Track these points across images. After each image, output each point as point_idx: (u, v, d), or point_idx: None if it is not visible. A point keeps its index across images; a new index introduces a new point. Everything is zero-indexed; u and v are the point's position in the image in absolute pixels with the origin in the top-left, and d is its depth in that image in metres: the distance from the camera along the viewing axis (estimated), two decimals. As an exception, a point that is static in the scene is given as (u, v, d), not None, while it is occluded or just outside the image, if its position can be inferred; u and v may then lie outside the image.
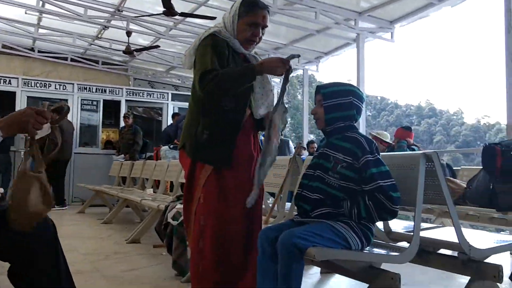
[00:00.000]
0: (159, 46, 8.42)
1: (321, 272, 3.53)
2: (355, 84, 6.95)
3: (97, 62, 10.54)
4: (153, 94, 10.83)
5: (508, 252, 4.54)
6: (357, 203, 1.96)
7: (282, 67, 2.18)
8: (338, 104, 2.11)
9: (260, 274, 1.96)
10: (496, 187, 3.80)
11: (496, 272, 2.07)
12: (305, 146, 9.22)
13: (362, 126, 6.99)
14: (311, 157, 2.36)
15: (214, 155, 2.24)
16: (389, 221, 2.63)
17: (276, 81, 10.35)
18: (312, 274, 3.56)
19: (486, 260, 2.19)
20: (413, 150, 5.48)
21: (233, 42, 2.28)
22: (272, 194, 3.91)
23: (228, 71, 2.16)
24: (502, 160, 3.91)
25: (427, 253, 2.40)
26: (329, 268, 2.58)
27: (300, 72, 10.10)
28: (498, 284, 2.13)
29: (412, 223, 2.97)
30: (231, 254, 2.24)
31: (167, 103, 10.80)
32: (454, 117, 65.54)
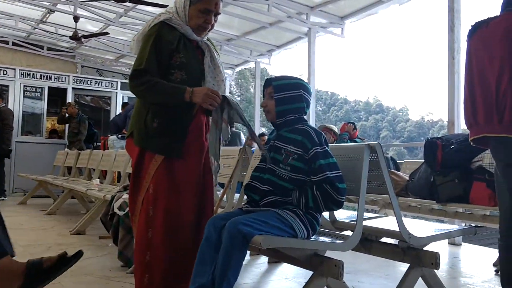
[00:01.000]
0: (108, 33, 8.17)
1: (268, 262, 3.58)
2: (306, 78, 7.07)
3: (42, 47, 10.11)
4: (101, 82, 10.52)
5: (447, 240, 4.79)
6: (305, 193, 2.00)
7: (210, 102, 2.12)
8: (289, 97, 2.14)
9: (198, 260, 1.92)
10: (436, 179, 4.00)
11: (434, 259, 2.18)
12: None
13: (311, 121, 7.11)
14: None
15: (165, 145, 2.21)
16: (336, 210, 2.71)
17: (228, 73, 10.33)
18: (260, 263, 3.60)
19: (425, 248, 2.29)
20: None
21: (185, 29, 2.25)
22: (222, 185, 3.91)
23: (160, 84, 2.13)
24: (443, 154, 4.12)
25: (369, 242, 2.49)
26: (275, 256, 2.62)
27: (252, 65, 10.11)
28: (435, 270, 2.24)
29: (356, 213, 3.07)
30: (181, 244, 2.23)
31: (116, 92, 10.52)
32: (400, 113, 67.92)
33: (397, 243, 2.37)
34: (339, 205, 2.02)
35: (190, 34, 2.27)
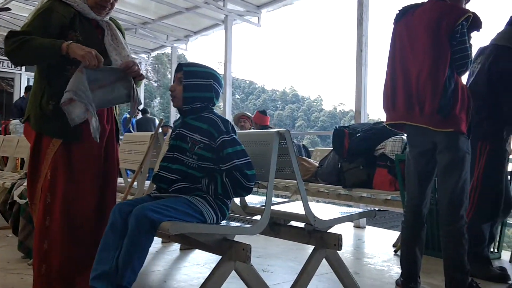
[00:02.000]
0: (10, 9, 7.56)
1: (180, 249, 3.56)
2: (223, 65, 7.06)
3: None
4: (3, 62, 9.74)
5: (352, 224, 5.07)
6: (215, 179, 2.01)
7: (90, 59, 2.01)
8: (199, 84, 2.11)
9: (102, 247, 1.86)
10: (343, 166, 4.21)
11: (337, 240, 2.28)
12: (172, 125, 9.14)
13: (228, 109, 7.13)
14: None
15: (62, 128, 2.11)
16: (245, 196, 2.75)
17: (143, 57, 10.03)
18: (172, 251, 3.58)
19: (330, 231, 2.40)
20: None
21: (82, 6, 2.17)
22: (133, 171, 3.81)
23: (34, 39, 2.01)
24: (349, 142, 4.33)
25: (278, 226, 2.57)
26: (186, 243, 2.61)
27: (169, 50, 9.90)
28: (338, 251, 2.36)
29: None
30: (81, 232, 2.15)
31: (20, 74, 9.84)
32: (314, 103, 70.31)
33: (303, 226, 2.46)
34: (248, 191, 2.06)
35: (88, 12, 2.18)
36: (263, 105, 60.80)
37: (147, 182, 3.36)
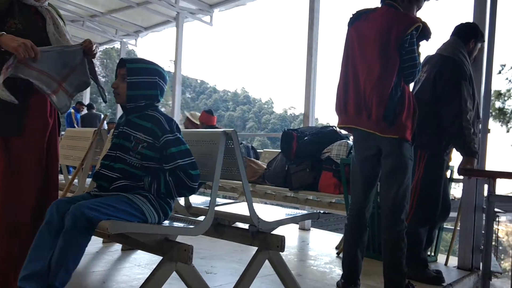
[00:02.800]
0: None
1: (122, 249, 3.46)
2: (173, 64, 6.95)
3: None
4: None
5: (297, 226, 5.12)
6: (158, 178, 1.96)
7: (24, 51, 1.93)
8: (143, 82, 2.04)
9: (35, 245, 1.77)
10: (290, 168, 4.24)
11: (280, 242, 2.29)
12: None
13: (177, 107, 7.02)
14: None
15: (1, 122, 1.99)
16: (190, 196, 2.71)
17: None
18: (113, 251, 3.46)
19: (274, 232, 2.40)
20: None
21: None
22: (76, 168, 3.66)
23: None
24: (297, 144, 4.37)
25: (222, 227, 2.54)
26: (127, 243, 2.53)
27: (118, 45, 9.63)
28: (281, 253, 2.36)
29: (218, 199, 3.11)
30: (21, 229, 2.06)
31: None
32: (266, 106, 70.90)
33: (248, 228, 2.45)
34: (192, 191, 2.02)
35: None
36: (214, 105, 60.63)
37: (89, 180, 3.24)
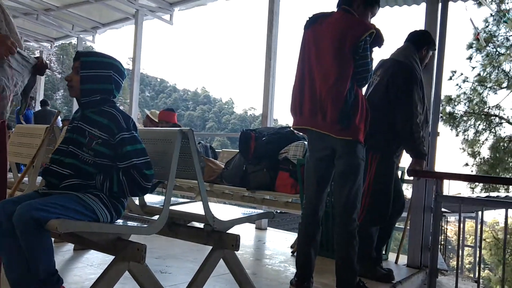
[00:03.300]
0: None
1: (74, 249, 3.38)
2: (131, 62, 6.83)
3: None
4: None
5: (254, 226, 5.16)
6: (110, 177, 1.93)
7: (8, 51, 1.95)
8: (97, 75, 2.01)
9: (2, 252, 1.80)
10: (248, 168, 4.27)
11: (234, 241, 2.30)
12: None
13: (135, 106, 6.92)
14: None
15: None
16: (146, 195, 2.69)
17: (46, 46, 9.42)
18: (65, 251, 3.38)
19: (231, 232, 2.42)
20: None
21: None
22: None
23: None
24: (255, 145, 4.41)
25: (177, 226, 2.53)
26: (78, 242, 2.49)
27: (74, 40, 9.37)
28: (236, 252, 2.38)
29: (174, 198, 3.09)
30: None
31: None
32: (226, 106, 70.85)
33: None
34: (145, 191, 2.00)
35: None
36: (173, 104, 60.00)
37: (40, 178, 3.14)
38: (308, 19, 2.73)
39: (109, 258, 2.77)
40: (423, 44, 3.34)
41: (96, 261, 3.15)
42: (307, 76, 2.66)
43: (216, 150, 5.56)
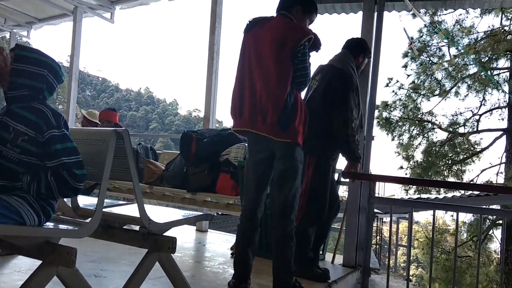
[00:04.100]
0: None
1: (0, 254, 3.21)
2: (69, 59, 6.58)
3: None
4: None
5: (195, 228, 5.13)
6: (38, 178, 1.84)
7: None
8: (29, 71, 1.93)
9: None
10: (189, 170, 4.24)
11: (170, 243, 2.28)
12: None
13: (72, 105, 6.68)
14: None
15: None
16: (81, 197, 2.60)
17: None
18: (-10, 257, 3.20)
19: (166, 234, 2.38)
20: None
21: None
22: None
23: None
24: (196, 146, 4.39)
25: (112, 229, 2.47)
26: (3, 247, 2.36)
27: (8, 35, 8.90)
28: (172, 254, 2.35)
29: (112, 200, 3.00)
30: None
31: None
32: (170, 107, 69.89)
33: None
34: (76, 192, 1.93)
35: None
36: (116, 104, 58.38)
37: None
38: (248, 22, 2.76)
39: (39, 263, 2.67)
40: (360, 52, 3.47)
41: (24, 267, 3.00)
42: (247, 79, 2.68)
43: (157, 152, 5.47)
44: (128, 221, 2.40)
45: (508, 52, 10.81)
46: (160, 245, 2.29)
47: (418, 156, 11.71)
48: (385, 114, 11.81)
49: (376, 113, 11.77)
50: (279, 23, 2.67)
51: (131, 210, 2.59)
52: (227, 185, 4.01)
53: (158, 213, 2.42)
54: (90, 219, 2.06)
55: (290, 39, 2.58)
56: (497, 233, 10.71)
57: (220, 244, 4.56)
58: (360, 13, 4.13)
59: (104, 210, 2.10)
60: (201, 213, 2.77)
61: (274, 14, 2.79)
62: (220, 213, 5.00)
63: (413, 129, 11.80)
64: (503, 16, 11.24)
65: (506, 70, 11.42)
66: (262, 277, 3.10)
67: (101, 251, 3.59)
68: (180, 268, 2.42)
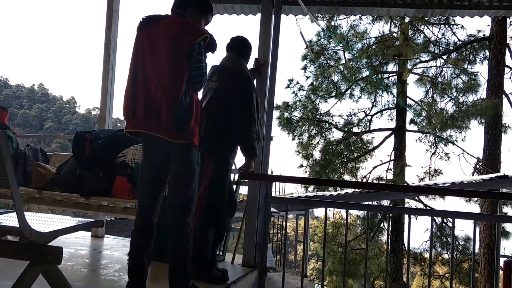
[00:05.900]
0: None
1: None
2: None
3: None
4: None
5: (90, 234, 4.87)
6: None
7: None
8: None
9: None
10: (82, 173, 4.01)
11: (56, 254, 2.12)
12: None
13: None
14: None
15: None
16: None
17: None
18: None
19: (51, 244, 2.21)
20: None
21: None
22: None
23: None
24: (91, 147, 4.17)
25: (-11, 241, 2.24)
26: None
27: None
28: (58, 265, 2.19)
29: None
30: None
31: None
32: (67, 105, 65.95)
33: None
34: None
35: None
36: (5, 101, 53.78)
37: None
38: (141, 20, 2.67)
39: None
40: (247, 53, 3.55)
41: None
42: (140, 78, 2.59)
43: (48, 154, 5.13)
44: (7, 232, 2.20)
45: (396, 57, 11.72)
46: (44, 256, 2.12)
47: (317, 154, 12.28)
48: (286, 114, 12.21)
49: (278, 113, 12.17)
50: (174, 22, 2.62)
51: (12, 219, 2.39)
52: (124, 188, 3.86)
53: (44, 222, 2.25)
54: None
55: (185, 38, 2.54)
56: (387, 226, 11.59)
57: (117, 250, 4.38)
58: (259, 15, 4.20)
59: (-23, 220, 1.90)
60: (91, 220, 2.62)
61: (169, 13, 2.72)
62: (118, 217, 4.80)
63: (312, 129, 12.36)
64: (392, 23, 12.18)
65: (394, 74, 12.38)
66: (158, 282, 3.03)
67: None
68: (70, 279, 2.27)
